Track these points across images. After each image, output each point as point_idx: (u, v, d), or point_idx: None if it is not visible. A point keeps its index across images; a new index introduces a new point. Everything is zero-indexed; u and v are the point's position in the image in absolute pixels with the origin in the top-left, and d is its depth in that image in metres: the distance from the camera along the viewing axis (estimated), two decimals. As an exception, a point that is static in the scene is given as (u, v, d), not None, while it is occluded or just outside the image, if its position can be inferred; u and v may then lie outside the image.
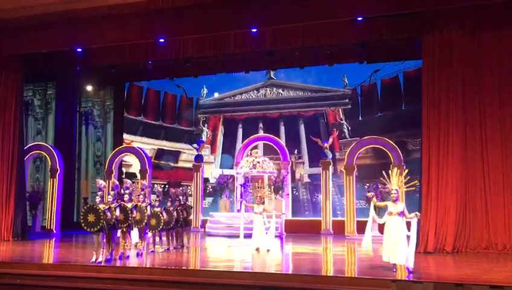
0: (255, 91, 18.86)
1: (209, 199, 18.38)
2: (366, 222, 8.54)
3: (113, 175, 16.70)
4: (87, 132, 19.51)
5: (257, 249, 11.03)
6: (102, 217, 8.62)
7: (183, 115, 19.57)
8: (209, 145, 19.06)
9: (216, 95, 19.27)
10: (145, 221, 10.14)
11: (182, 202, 11.54)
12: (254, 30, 12.40)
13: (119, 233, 9.87)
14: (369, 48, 13.70)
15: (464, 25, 11.07)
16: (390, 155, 14.44)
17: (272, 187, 15.58)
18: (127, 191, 9.89)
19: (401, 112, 16.74)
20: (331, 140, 16.62)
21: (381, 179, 8.51)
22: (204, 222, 16.29)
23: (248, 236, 11.67)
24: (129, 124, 19.41)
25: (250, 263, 10.01)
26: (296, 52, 14.59)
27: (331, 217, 15.32)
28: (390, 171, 8.49)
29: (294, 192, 17.47)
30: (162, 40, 13.12)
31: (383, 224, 8.18)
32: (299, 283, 7.68)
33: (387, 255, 7.94)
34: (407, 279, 7.35)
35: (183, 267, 8.81)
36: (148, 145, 19.14)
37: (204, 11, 11.81)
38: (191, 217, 13.02)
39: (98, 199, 8.92)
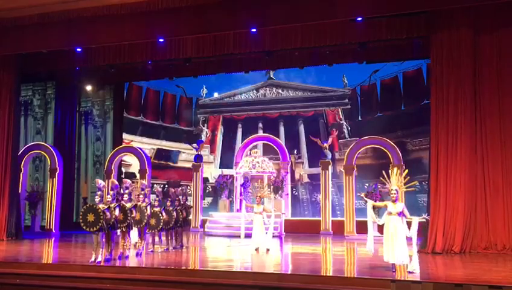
0: (255, 91, 18.85)
1: (209, 199, 18.37)
2: (366, 221, 8.51)
3: (112, 175, 16.68)
4: (87, 132, 19.50)
5: (256, 249, 11.03)
6: (101, 217, 8.61)
7: (182, 115, 19.56)
8: (208, 145, 19.06)
9: (216, 95, 19.27)
10: (145, 221, 10.16)
11: (182, 202, 11.55)
12: (253, 30, 12.41)
13: (118, 233, 9.86)
14: (368, 48, 13.69)
15: (474, 24, 11.00)
16: (389, 155, 14.45)
17: (272, 187, 15.60)
18: (127, 191, 9.88)
19: (400, 112, 16.76)
20: (330, 140, 16.63)
21: (381, 179, 8.51)
22: (203, 222, 16.27)
23: (248, 236, 11.67)
24: (129, 124, 19.42)
25: (250, 263, 10.01)
26: (296, 52, 14.59)
27: (331, 217, 15.31)
28: (390, 171, 8.49)
29: (294, 192, 17.46)
30: (161, 40, 13.13)
31: (383, 224, 8.18)
32: (299, 283, 7.68)
33: (387, 255, 7.94)
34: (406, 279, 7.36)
35: (183, 267, 8.80)
36: (148, 145, 19.15)
37: (203, 11, 11.84)
38: (191, 217, 13.02)
39: (97, 199, 8.92)
